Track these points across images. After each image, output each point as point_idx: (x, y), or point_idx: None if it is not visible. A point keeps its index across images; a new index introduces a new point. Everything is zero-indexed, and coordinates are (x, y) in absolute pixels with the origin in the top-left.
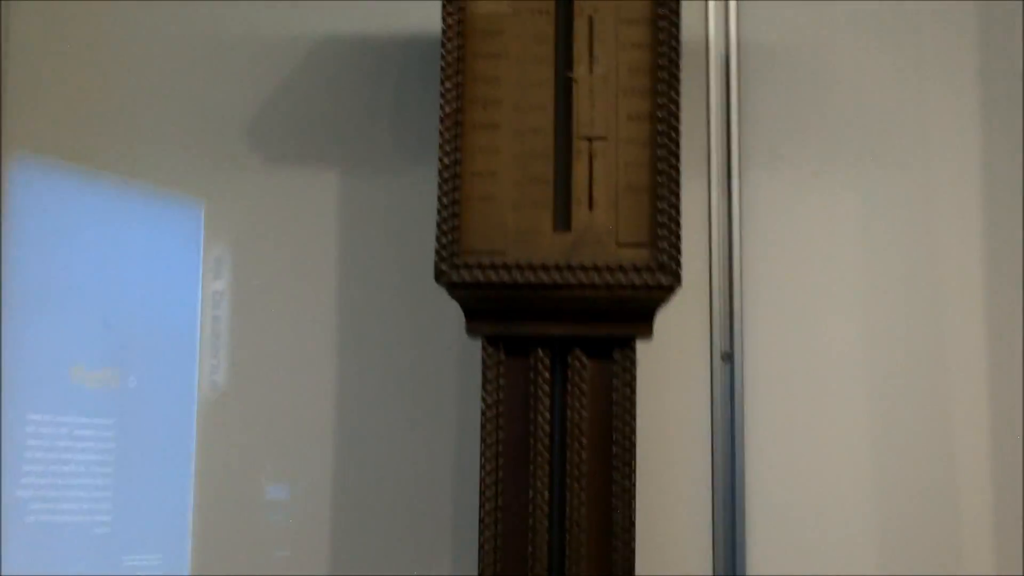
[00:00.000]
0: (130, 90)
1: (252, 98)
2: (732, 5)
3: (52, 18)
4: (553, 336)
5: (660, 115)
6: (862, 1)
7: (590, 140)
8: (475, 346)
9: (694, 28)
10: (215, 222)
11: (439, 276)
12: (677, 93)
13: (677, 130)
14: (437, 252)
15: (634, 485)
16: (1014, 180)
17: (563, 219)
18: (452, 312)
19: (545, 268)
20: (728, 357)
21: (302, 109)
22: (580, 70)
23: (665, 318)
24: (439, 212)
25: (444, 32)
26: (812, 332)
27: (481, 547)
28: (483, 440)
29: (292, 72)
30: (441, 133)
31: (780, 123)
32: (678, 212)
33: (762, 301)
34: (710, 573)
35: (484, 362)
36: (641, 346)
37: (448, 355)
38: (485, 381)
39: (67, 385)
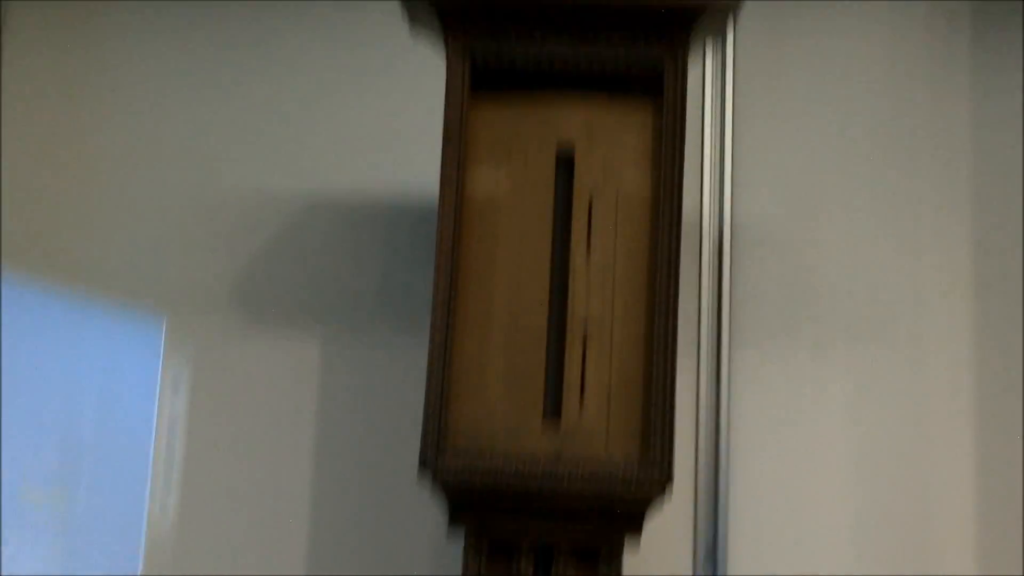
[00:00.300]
0: (105, 205)
1: (235, 240)
2: (727, 186)
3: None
4: (538, 541)
5: (659, 308)
6: (855, 182)
7: (584, 330)
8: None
9: (688, 208)
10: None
11: (423, 468)
12: (676, 285)
13: (675, 325)
14: (423, 440)
15: None
16: (1007, 363)
17: (553, 410)
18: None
19: (534, 464)
20: (712, 557)
21: (287, 264)
22: (577, 256)
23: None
24: (427, 400)
25: (440, 212)
26: (799, 518)
27: None
28: None
29: (280, 228)
30: (433, 322)
31: (772, 303)
32: (672, 409)
33: (749, 484)
34: None
35: (465, 563)
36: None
37: (424, 551)
38: None
39: (14, 505)
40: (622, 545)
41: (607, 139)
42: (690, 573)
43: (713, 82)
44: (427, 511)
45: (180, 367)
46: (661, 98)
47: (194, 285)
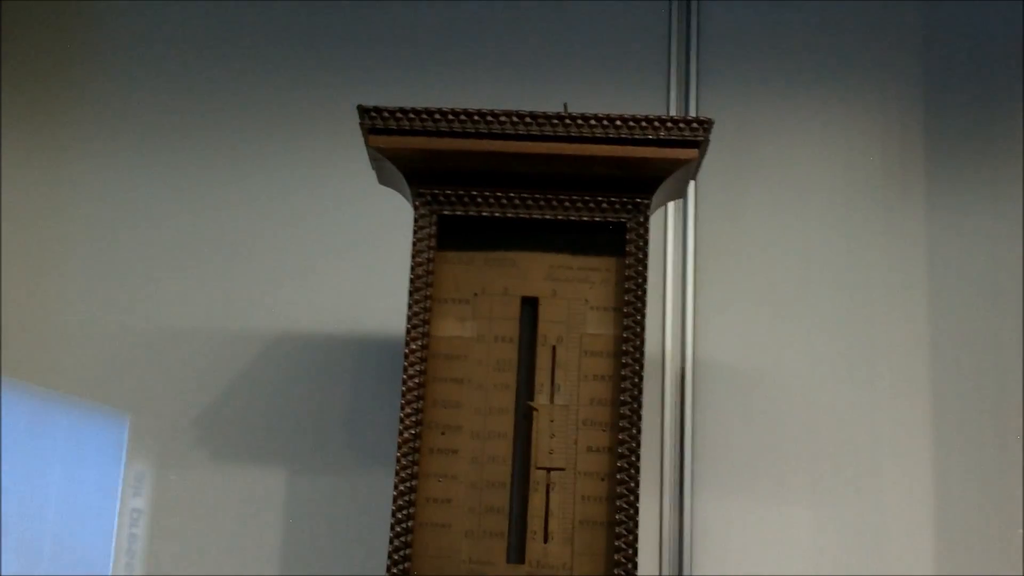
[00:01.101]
0: (74, 312)
1: (205, 363)
2: (689, 329)
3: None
4: None
5: (621, 450)
6: (814, 321)
7: (548, 471)
8: None
9: (651, 351)
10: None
11: None
12: (639, 428)
13: (637, 466)
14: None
15: None
16: (965, 502)
17: (517, 551)
18: None
19: None
20: None
21: (255, 391)
22: (541, 399)
23: None
24: (391, 539)
25: (406, 357)
26: None
27: None
28: None
29: (249, 357)
30: (398, 459)
31: (734, 441)
32: (635, 551)
33: None
34: None
35: None
36: None
37: None
38: None
39: None
40: None
41: (571, 289)
42: None
43: (675, 227)
44: None
45: (143, 468)
46: (624, 252)
47: (160, 394)
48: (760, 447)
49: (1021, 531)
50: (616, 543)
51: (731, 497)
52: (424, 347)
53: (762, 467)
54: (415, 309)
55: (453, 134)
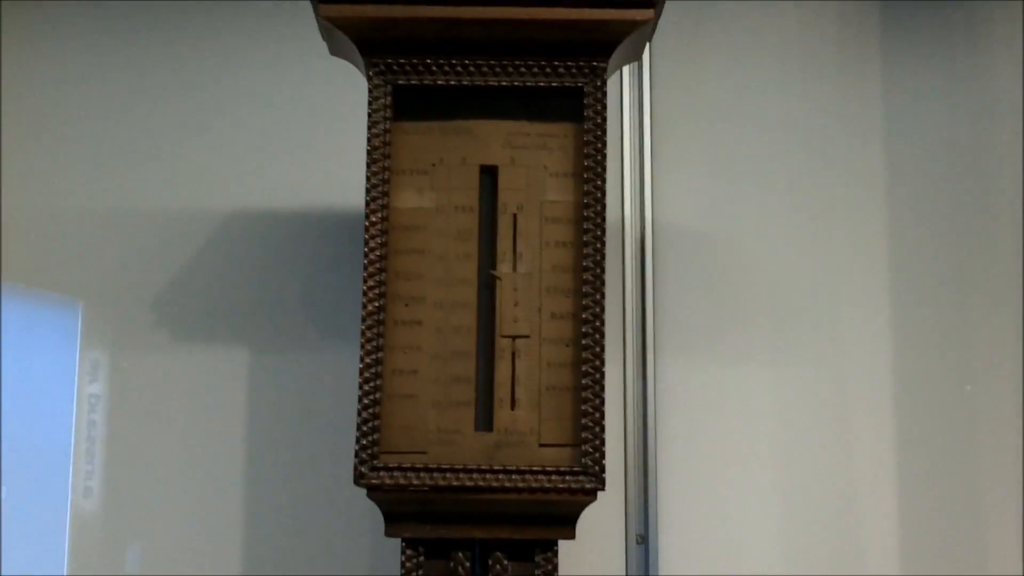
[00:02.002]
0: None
1: (158, 242)
2: (647, 193)
3: None
4: (474, 539)
5: (585, 316)
6: (772, 184)
7: (513, 339)
8: (392, 542)
9: (611, 217)
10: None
11: (358, 479)
12: (602, 294)
13: (602, 331)
14: (357, 454)
15: None
16: (924, 361)
17: (485, 419)
18: (368, 506)
19: (467, 472)
20: (643, 539)
21: (213, 269)
22: (504, 267)
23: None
24: (359, 412)
25: (367, 229)
26: (727, 516)
27: None
28: None
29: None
30: (363, 331)
31: (696, 305)
32: (602, 415)
33: (677, 485)
34: None
35: (403, 565)
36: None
37: (362, 551)
38: None
39: None
40: (556, 543)
41: (529, 157)
42: (622, 571)
43: (631, 92)
44: (363, 513)
45: (98, 354)
46: (581, 117)
47: (113, 278)
48: (721, 311)
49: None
50: (583, 407)
51: (693, 360)
52: (384, 219)
53: (723, 330)
54: (373, 181)
55: (405, 1)
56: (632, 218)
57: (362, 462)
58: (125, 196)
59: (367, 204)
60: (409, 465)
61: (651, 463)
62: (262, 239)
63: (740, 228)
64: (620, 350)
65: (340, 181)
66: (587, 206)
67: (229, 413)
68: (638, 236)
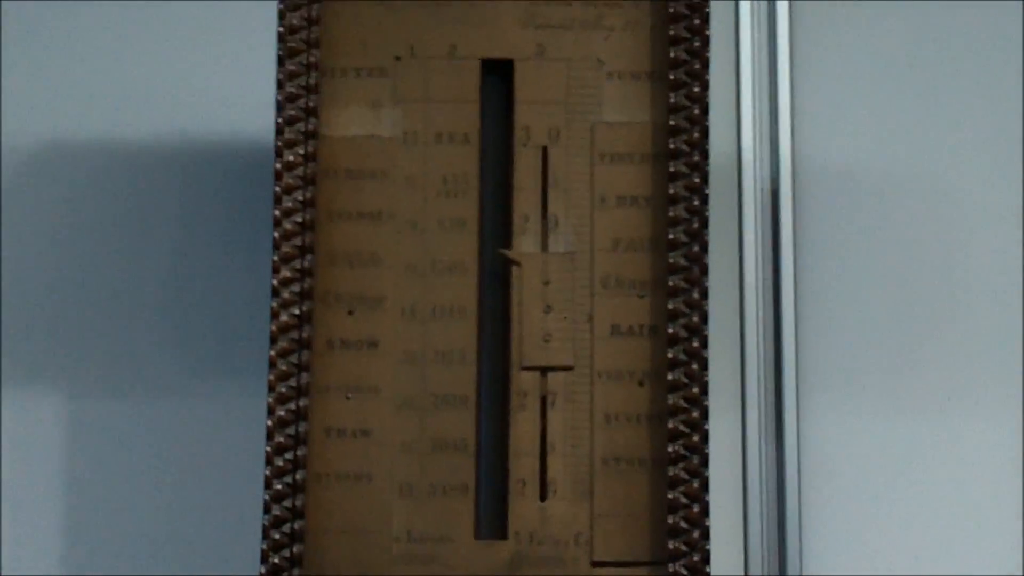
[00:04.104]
0: None
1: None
2: (782, 106)
3: None
4: None
5: (674, 331)
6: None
7: (543, 372)
8: None
9: (719, 144)
10: None
11: None
12: (703, 291)
13: (703, 357)
14: (262, 560)
15: None
16: None
17: (494, 517)
18: None
19: None
20: None
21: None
22: (525, 244)
23: None
24: (265, 506)
25: (277, 176)
26: None
27: None
28: None
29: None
30: (271, 361)
31: (865, 311)
32: (706, 508)
33: None
34: None
35: None
36: None
37: None
38: None
39: None
40: None
41: (571, 45)
42: None
43: None
44: None
45: None
46: None
47: None
48: (900, 317)
49: None
50: (671, 494)
51: (860, 403)
52: (308, 158)
53: (911, 354)
54: (288, 90)
55: None
56: (756, 158)
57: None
58: None
59: (278, 133)
60: None
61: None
62: (158, 176)
63: (934, 177)
64: (737, 390)
65: (225, 98)
66: (676, 131)
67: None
68: (765, 188)
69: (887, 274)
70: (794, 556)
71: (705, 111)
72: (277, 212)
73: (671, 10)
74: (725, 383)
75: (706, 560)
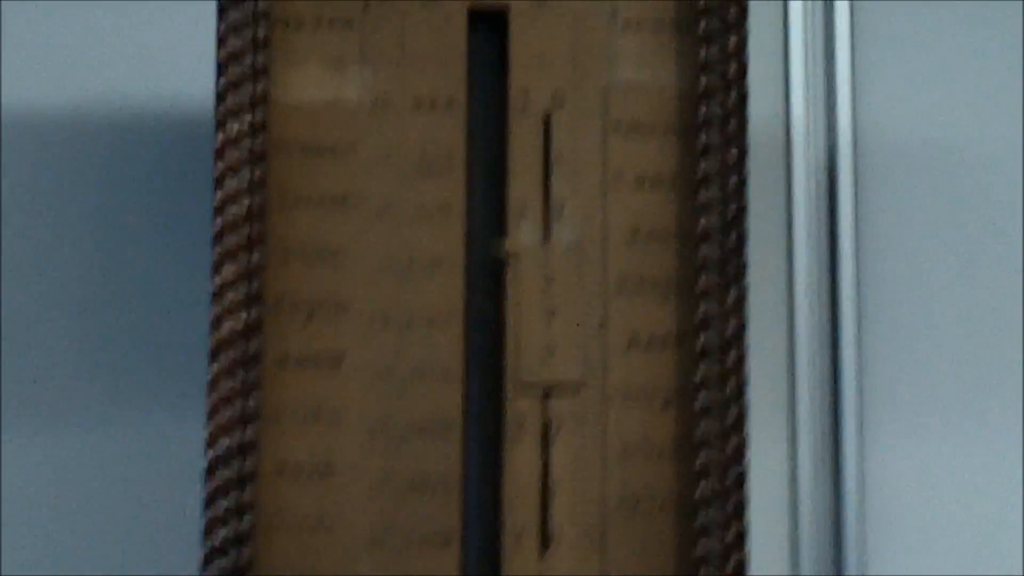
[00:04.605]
0: None
1: None
2: (840, 72)
3: None
4: None
5: (704, 341)
6: None
7: (545, 393)
8: None
9: (759, 110)
10: None
11: None
12: (743, 291)
13: (741, 372)
14: None
15: None
16: None
17: (485, 571)
18: None
19: None
20: None
21: None
22: (524, 235)
23: None
24: (203, 559)
25: (218, 154)
26: None
27: None
28: None
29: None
30: (211, 381)
31: (940, 314)
32: (743, 560)
33: None
34: None
35: None
36: None
37: None
38: None
39: None
40: None
41: None
42: None
43: None
44: None
45: None
46: None
47: None
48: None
49: None
50: (702, 542)
51: (933, 424)
52: (256, 129)
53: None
54: (231, 46)
55: None
56: (809, 129)
57: None
58: None
59: (218, 98)
60: None
61: None
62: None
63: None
64: (785, 414)
65: (161, 56)
66: (706, 95)
67: None
68: (820, 166)
69: (967, 271)
70: None
71: (743, 70)
72: (218, 196)
73: None
74: (770, 406)
75: None
